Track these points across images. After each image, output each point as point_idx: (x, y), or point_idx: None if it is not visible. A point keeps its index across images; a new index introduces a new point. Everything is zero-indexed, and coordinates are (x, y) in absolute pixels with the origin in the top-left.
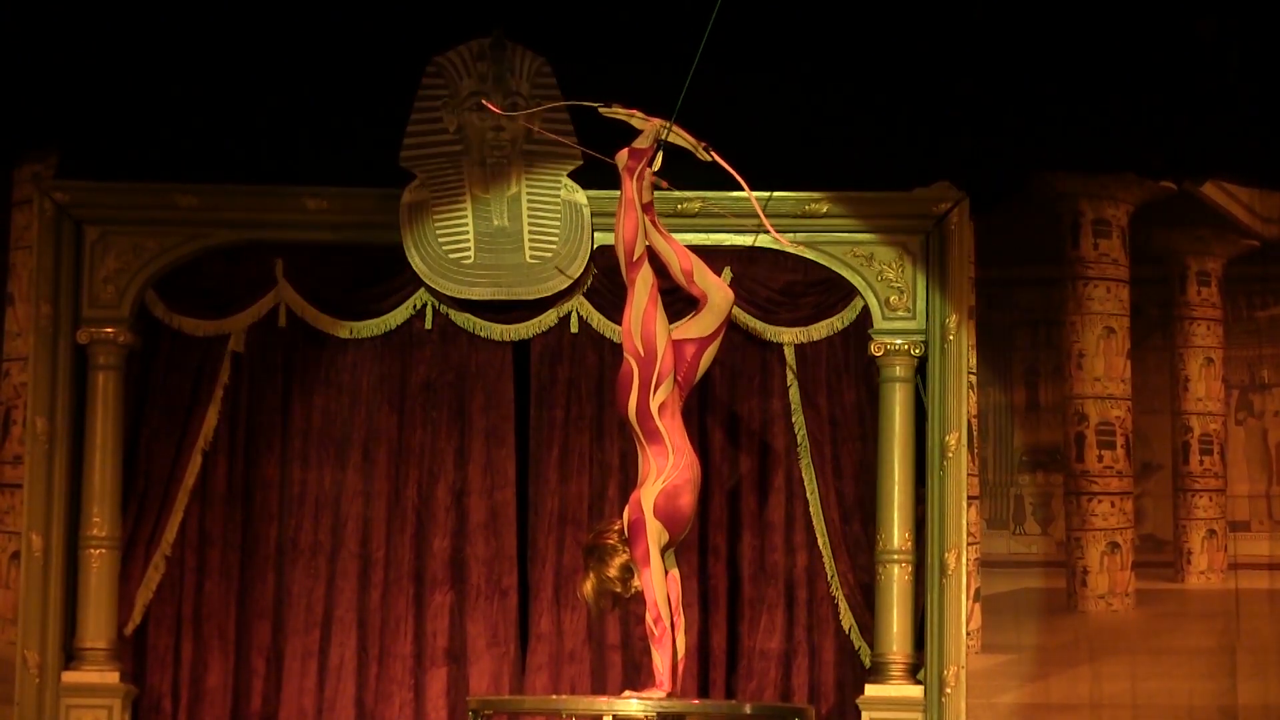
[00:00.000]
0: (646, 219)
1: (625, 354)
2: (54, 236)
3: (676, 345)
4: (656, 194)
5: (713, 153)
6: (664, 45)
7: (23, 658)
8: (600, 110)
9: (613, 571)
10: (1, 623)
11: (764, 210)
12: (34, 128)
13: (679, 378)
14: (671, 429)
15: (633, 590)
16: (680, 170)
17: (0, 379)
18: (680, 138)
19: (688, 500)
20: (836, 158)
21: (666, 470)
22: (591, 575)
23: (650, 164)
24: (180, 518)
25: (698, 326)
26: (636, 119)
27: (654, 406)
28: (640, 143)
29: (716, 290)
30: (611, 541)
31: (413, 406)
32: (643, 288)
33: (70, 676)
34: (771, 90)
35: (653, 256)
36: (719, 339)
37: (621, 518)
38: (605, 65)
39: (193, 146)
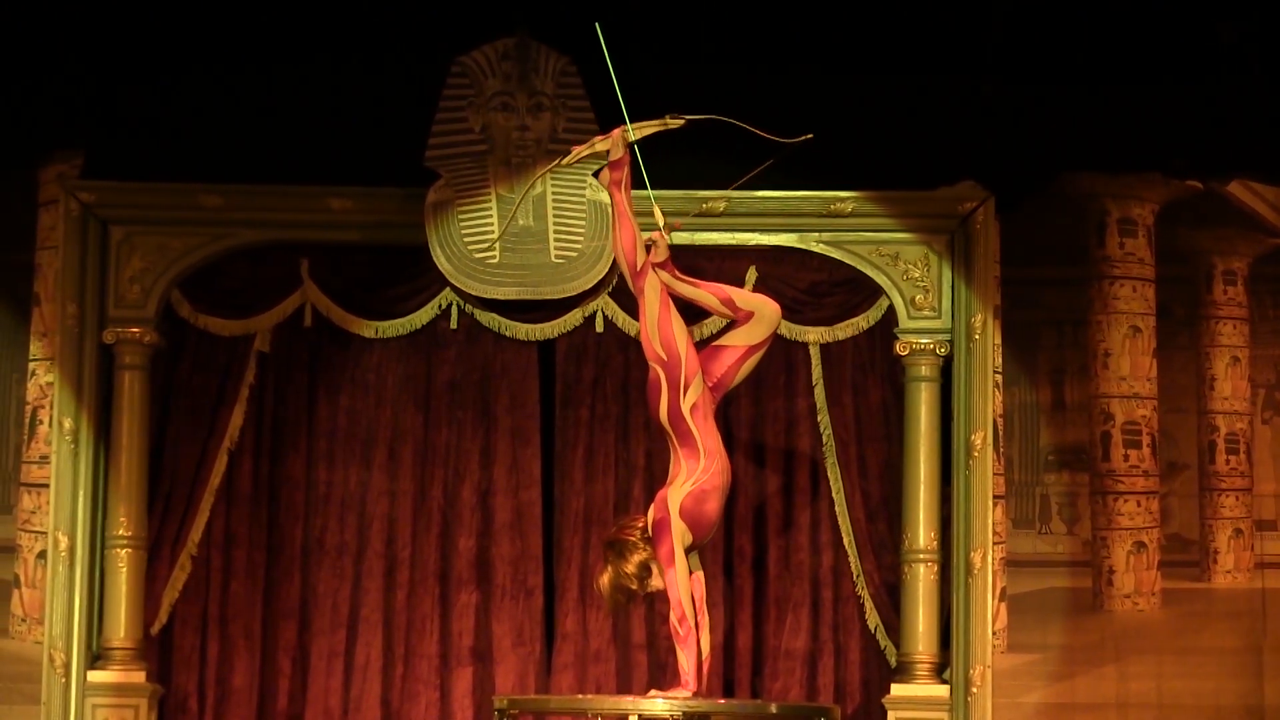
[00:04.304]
0: (666, 274)
1: (649, 361)
2: (80, 236)
3: (720, 350)
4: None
5: (680, 117)
6: (687, 43)
7: (49, 657)
8: (566, 161)
9: (630, 568)
10: (28, 622)
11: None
12: (60, 128)
13: (711, 382)
14: (704, 431)
15: (649, 589)
16: (707, 170)
17: (26, 379)
18: (644, 129)
19: (714, 506)
20: (862, 157)
21: (696, 473)
22: (609, 569)
23: (662, 243)
24: (206, 517)
25: (746, 335)
26: (600, 143)
27: (685, 408)
28: (614, 155)
29: (765, 304)
30: (633, 538)
31: (438, 406)
32: (652, 294)
33: (96, 676)
34: (797, 89)
35: (687, 306)
36: (763, 350)
37: (646, 515)
38: (631, 64)
39: (217, 147)
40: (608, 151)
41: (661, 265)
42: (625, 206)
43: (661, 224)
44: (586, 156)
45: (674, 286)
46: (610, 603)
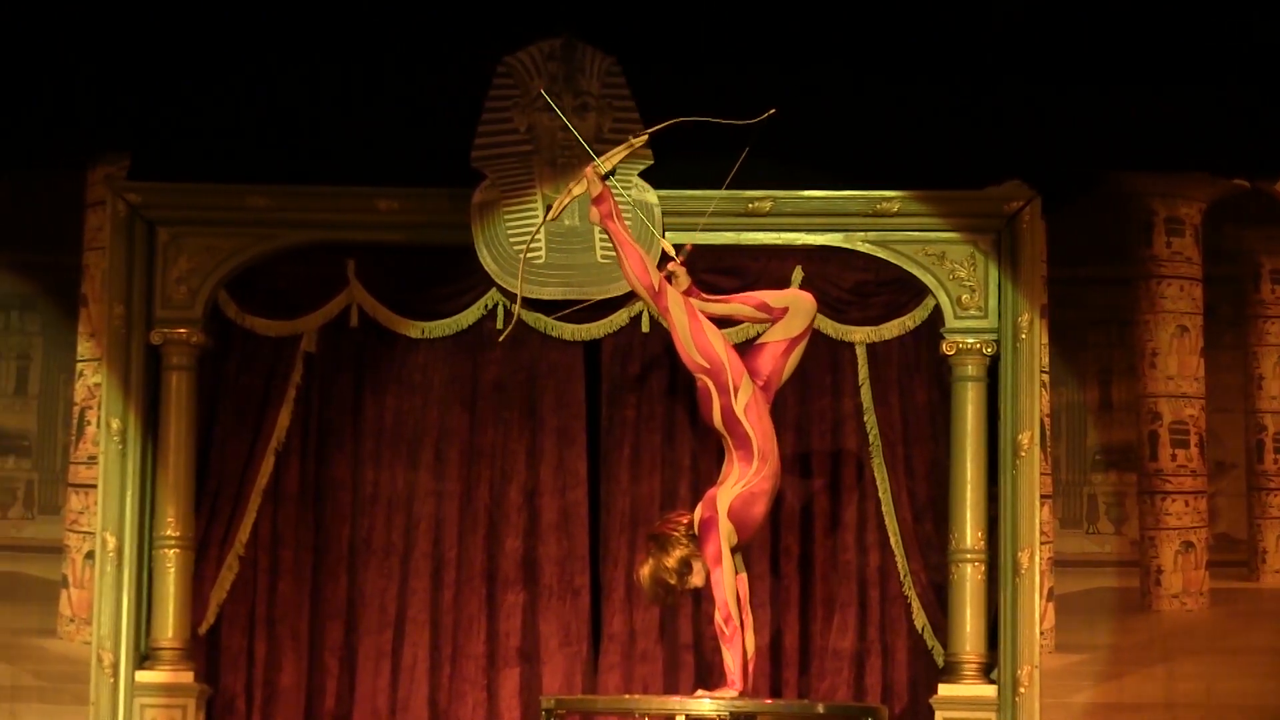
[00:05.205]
0: (695, 300)
1: (693, 374)
2: (127, 237)
3: (761, 348)
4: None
5: (641, 134)
6: (731, 45)
7: (97, 657)
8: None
9: (671, 562)
10: (77, 622)
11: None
12: (107, 129)
13: (760, 381)
14: (760, 432)
15: (687, 586)
16: (748, 170)
17: (74, 380)
18: (612, 159)
19: (761, 509)
20: (908, 156)
21: (748, 475)
22: (650, 561)
23: (676, 259)
24: (253, 518)
25: (784, 329)
26: (576, 187)
27: (739, 409)
28: (593, 192)
29: (798, 297)
30: (676, 534)
31: (484, 406)
32: (677, 310)
33: (144, 676)
34: (843, 89)
35: (723, 320)
36: (805, 340)
37: (692, 512)
38: (676, 65)
39: (264, 147)
40: (587, 191)
41: (687, 292)
42: (624, 235)
43: (674, 253)
44: (569, 203)
45: (706, 309)
46: (649, 594)
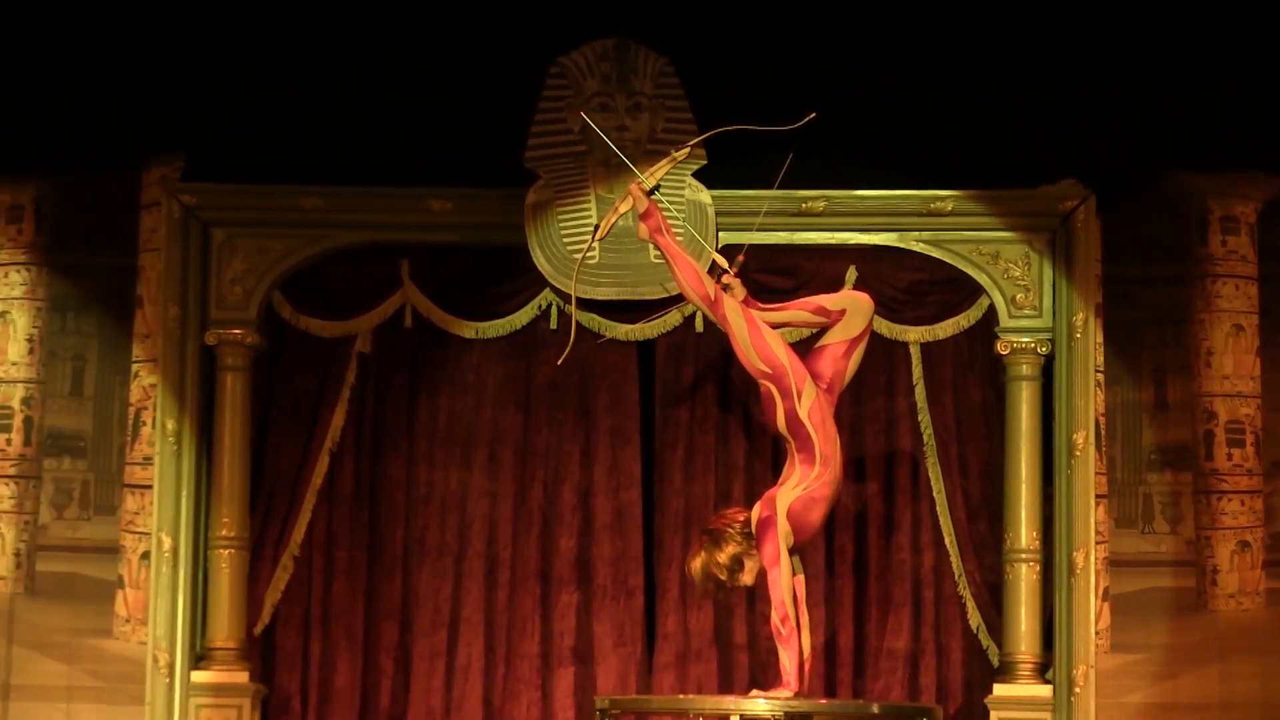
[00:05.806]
0: (753, 310)
1: (756, 379)
2: (181, 239)
3: (822, 350)
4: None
5: (682, 147)
6: (785, 47)
7: (153, 658)
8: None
9: (722, 558)
10: (132, 623)
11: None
12: (161, 131)
13: (823, 384)
14: (823, 436)
15: (737, 583)
16: (802, 170)
17: (130, 381)
18: (656, 174)
19: (819, 514)
20: (962, 156)
21: (809, 479)
22: (702, 554)
23: (729, 272)
24: (308, 518)
25: (843, 330)
26: (623, 205)
27: (803, 413)
28: (640, 208)
29: (854, 298)
30: (731, 530)
31: (538, 407)
32: (736, 318)
33: (200, 676)
34: (897, 88)
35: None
36: (865, 340)
37: (749, 510)
38: (730, 65)
39: (318, 148)
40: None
41: (744, 302)
42: (674, 248)
43: (726, 264)
44: (615, 220)
45: (764, 317)
46: (699, 588)
